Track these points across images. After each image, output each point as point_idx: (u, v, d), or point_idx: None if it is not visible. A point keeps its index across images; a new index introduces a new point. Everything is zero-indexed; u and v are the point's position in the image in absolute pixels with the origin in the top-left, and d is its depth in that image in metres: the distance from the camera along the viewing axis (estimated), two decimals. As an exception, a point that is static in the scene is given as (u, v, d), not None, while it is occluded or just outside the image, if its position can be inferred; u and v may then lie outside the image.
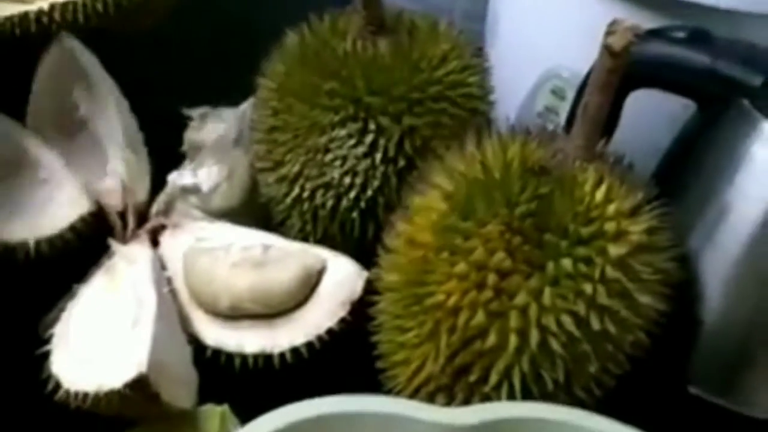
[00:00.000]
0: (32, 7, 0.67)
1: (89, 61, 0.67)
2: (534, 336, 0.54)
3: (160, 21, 0.74)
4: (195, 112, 0.69)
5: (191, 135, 0.68)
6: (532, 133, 0.57)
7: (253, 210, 0.68)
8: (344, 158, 0.63)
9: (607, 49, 0.53)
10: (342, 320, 0.59)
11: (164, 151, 0.71)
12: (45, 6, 0.67)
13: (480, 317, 0.54)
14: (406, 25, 0.65)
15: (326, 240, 0.66)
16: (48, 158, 0.63)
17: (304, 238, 0.66)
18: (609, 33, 0.53)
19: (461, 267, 0.55)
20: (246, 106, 0.69)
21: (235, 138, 0.68)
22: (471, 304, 0.54)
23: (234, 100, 0.73)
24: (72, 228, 0.62)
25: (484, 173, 0.55)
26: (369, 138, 0.62)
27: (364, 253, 0.65)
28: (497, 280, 0.54)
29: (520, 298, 0.54)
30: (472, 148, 0.58)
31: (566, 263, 0.53)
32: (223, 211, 0.66)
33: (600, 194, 0.54)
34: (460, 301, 0.55)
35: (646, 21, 0.65)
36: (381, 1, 0.64)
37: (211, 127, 0.68)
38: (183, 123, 0.72)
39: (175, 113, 0.72)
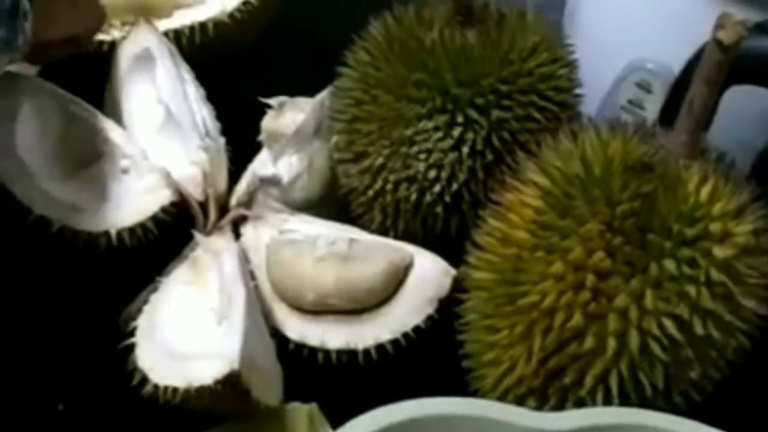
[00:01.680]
0: (108, 37, 0.66)
1: (168, 48, 0.65)
2: (634, 339, 0.51)
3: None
4: (273, 101, 0.66)
5: (269, 124, 0.66)
6: (632, 128, 0.55)
7: (332, 202, 0.65)
8: (430, 151, 0.60)
9: (717, 43, 0.50)
10: (429, 317, 0.57)
11: (239, 140, 0.69)
12: (118, 38, 0.66)
13: (577, 319, 0.52)
14: (494, 16, 0.62)
15: (407, 235, 0.64)
16: (129, 148, 0.61)
17: (384, 232, 0.64)
18: (719, 27, 0.50)
19: (558, 267, 0.52)
20: (324, 95, 0.67)
21: (314, 128, 0.66)
22: (567, 305, 0.52)
23: (310, 89, 0.72)
24: (153, 218, 0.59)
25: (583, 170, 0.52)
26: (456, 131, 0.60)
27: (445, 248, 0.63)
28: (596, 281, 0.51)
29: (620, 300, 0.51)
30: (569, 143, 0.55)
31: (669, 265, 0.51)
32: (302, 203, 0.63)
33: (705, 193, 0.52)
34: (556, 302, 0.52)
35: (736, 12, 0.63)
36: (471, -10, 0.62)
37: (290, 117, 0.65)
38: (258, 111, 0.70)
39: (251, 101, 0.71)
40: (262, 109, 0.68)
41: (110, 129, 0.62)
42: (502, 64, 0.60)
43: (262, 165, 0.63)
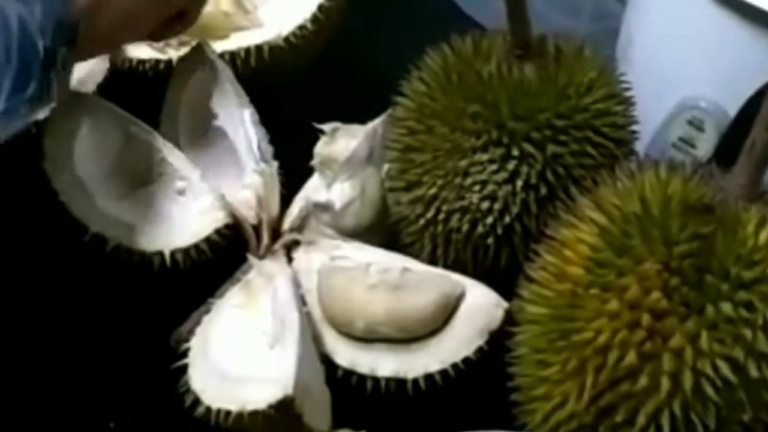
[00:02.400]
0: (164, 57, 0.67)
1: (224, 71, 0.65)
2: (688, 380, 0.51)
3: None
4: (326, 127, 0.66)
5: (322, 150, 0.66)
6: (690, 168, 0.55)
7: (382, 229, 0.65)
8: (484, 183, 0.60)
9: (781, 88, 0.50)
10: (479, 349, 0.57)
11: (291, 164, 0.69)
12: (175, 58, 0.67)
13: (631, 358, 0.52)
14: (552, 50, 0.62)
15: (457, 264, 0.63)
16: (186, 169, 0.62)
17: (434, 261, 0.64)
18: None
19: (613, 305, 0.52)
20: (377, 122, 0.67)
21: (366, 155, 0.66)
22: (622, 343, 0.52)
23: (362, 115, 0.72)
24: (207, 240, 0.60)
25: (642, 208, 0.52)
26: (511, 164, 0.60)
27: (495, 279, 0.63)
28: (651, 320, 0.51)
29: (676, 341, 0.51)
30: (627, 181, 0.55)
31: (726, 307, 0.50)
32: (353, 230, 0.63)
33: (764, 237, 0.51)
34: (610, 339, 0.52)
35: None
36: (529, 25, 0.62)
37: (343, 143, 0.65)
38: (311, 136, 0.70)
39: (304, 126, 0.71)
40: (314, 134, 0.68)
41: (167, 150, 0.62)
42: (559, 99, 0.60)
43: (314, 190, 0.63)
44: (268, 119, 0.69)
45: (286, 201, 0.65)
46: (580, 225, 0.55)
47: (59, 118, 0.61)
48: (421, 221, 0.63)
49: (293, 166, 0.68)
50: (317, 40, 0.73)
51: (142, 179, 0.62)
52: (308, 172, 0.68)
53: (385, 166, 0.66)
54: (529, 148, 0.59)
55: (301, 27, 0.70)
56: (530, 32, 0.61)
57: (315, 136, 0.68)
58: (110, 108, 0.63)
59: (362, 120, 0.73)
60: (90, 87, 0.67)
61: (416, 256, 0.64)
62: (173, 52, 0.69)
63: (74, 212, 0.59)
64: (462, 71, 0.61)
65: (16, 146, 0.62)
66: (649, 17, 0.72)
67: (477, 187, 0.60)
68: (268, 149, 0.65)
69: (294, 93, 0.75)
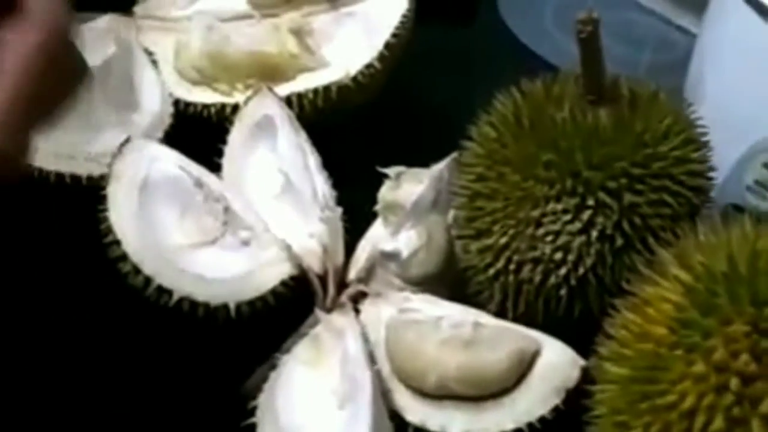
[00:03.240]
0: (230, 100, 0.66)
1: (288, 116, 0.64)
2: (779, 447, 0.49)
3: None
4: (390, 171, 0.64)
5: (386, 195, 0.64)
6: (778, 223, 0.52)
7: (448, 277, 0.63)
8: (557, 234, 0.58)
9: None
10: (555, 408, 0.55)
11: (352, 208, 0.67)
12: (241, 101, 0.65)
13: (719, 423, 0.49)
14: (626, 94, 0.60)
15: (527, 316, 0.61)
16: (251, 218, 0.60)
17: (503, 312, 0.62)
18: None
19: (700, 367, 0.49)
20: (442, 167, 0.65)
21: (432, 201, 0.64)
22: (709, 407, 0.49)
23: (423, 157, 0.70)
24: (273, 291, 0.58)
25: (729, 266, 0.50)
26: (586, 214, 0.57)
27: (566, 331, 0.61)
28: (740, 384, 0.49)
29: (766, 406, 0.49)
30: (711, 235, 0.53)
31: (820, 372, 0.49)
32: (420, 278, 0.61)
33: None
34: (696, 403, 0.49)
35: None
36: (604, 70, 0.60)
37: (408, 188, 0.63)
38: (371, 179, 0.68)
39: (362, 167, 0.69)
40: (375, 176, 0.66)
41: (232, 198, 0.61)
42: (636, 147, 0.58)
43: (380, 238, 0.61)
44: (327, 159, 0.67)
45: (348, 247, 0.64)
46: (662, 282, 0.52)
47: (123, 165, 0.61)
48: (491, 271, 0.61)
49: (353, 209, 0.66)
50: (383, 77, 0.71)
51: (206, 229, 0.60)
52: (369, 216, 0.66)
53: (452, 213, 0.64)
54: (605, 197, 0.57)
55: (369, 66, 0.69)
56: (605, 77, 0.60)
57: (375, 177, 0.66)
58: (176, 156, 0.62)
59: (423, 159, 0.72)
60: (157, 134, 0.66)
61: (484, 305, 0.63)
62: (239, 95, 0.67)
63: (136, 262, 0.58)
64: (534, 117, 0.59)
65: (77, 193, 0.63)
66: (721, 54, 0.70)
67: (550, 238, 0.58)
68: (332, 195, 0.63)
69: (353, 132, 0.73)
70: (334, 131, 0.71)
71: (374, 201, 0.66)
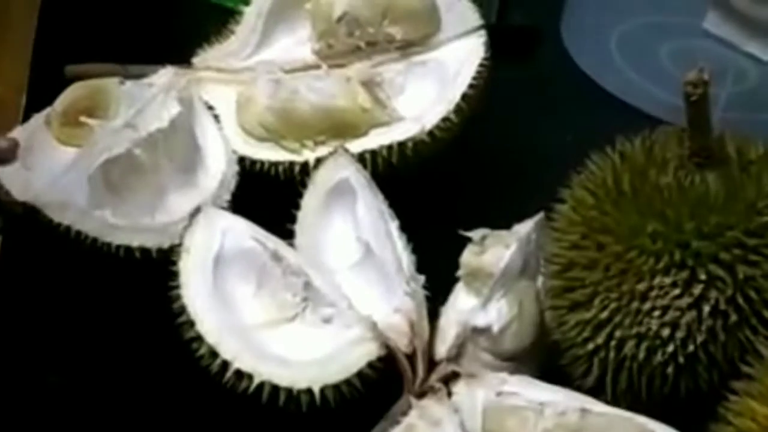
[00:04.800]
0: (299, 158, 0.62)
1: (366, 178, 0.60)
2: None
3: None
4: (474, 234, 0.60)
5: (470, 260, 0.59)
6: None
7: (541, 349, 0.59)
8: (665, 309, 0.53)
9: None
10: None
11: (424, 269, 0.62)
12: (311, 160, 0.62)
13: None
14: (733, 155, 0.55)
15: (628, 393, 0.57)
16: (332, 294, 0.56)
17: (600, 388, 0.57)
18: None
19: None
20: (530, 229, 0.61)
21: (521, 266, 0.59)
22: None
23: (501, 207, 0.66)
24: (360, 374, 0.54)
25: None
26: (697, 289, 0.52)
27: (671, 410, 0.57)
28: None
29: None
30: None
31: None
32: (512, 353, 0.57)
33: None
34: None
35: None
36: (711, 128, 0.56)
37: (493, 253, 0.59)
38: (446, 236, 0.63)
39: (435, 222, 0.65)
40: (451, 235, 0.62)
41: (311, 273, 0.56)
42: (749, 214, 0.53)
43: (469, 311, 0.57)
44: (398, 217, 0.63)
45: (429, 316, 0.60)
46: (791, 370, 0.48)
47: (195, 238, 0.57)
48: (590, 345, 0.56)
49: (429, 273, 0.61)
50: (459, 129, 0.66)
51: (284, 305, 0.56)
52: (446, 280, 0.60)
53: (541, 280, 0.60)
54: (717, 270, 0.52)
55: (445, 119, 0.64)
56: (711, 137, 0.56)
57: (449, 235, 0.61)
58: (249, 227, 0.58)
59: (500, 211, 0.68)
60: (225, 197, 0.62)
61: (581, 378, 0.59)
62: (308, 153, 0.63)
63: (213, 344, 0.54)
64: (635, 182, 0.54)
65: (148, 268, 0.59)
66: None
67: (657, 313, 0.53)
68: (414, 264, 0.59)
69: (423, 185, 0.67)
70: (403, 184, 0.67)
71: (449, 262, 0.61)
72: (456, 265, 0.61)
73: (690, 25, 0.88)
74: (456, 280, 0.61)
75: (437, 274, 0.61)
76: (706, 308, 0.53)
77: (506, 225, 0.63)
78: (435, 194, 0.70)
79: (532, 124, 0.80)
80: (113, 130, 0.62)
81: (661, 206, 0.53)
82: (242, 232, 0.57)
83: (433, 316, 0.60)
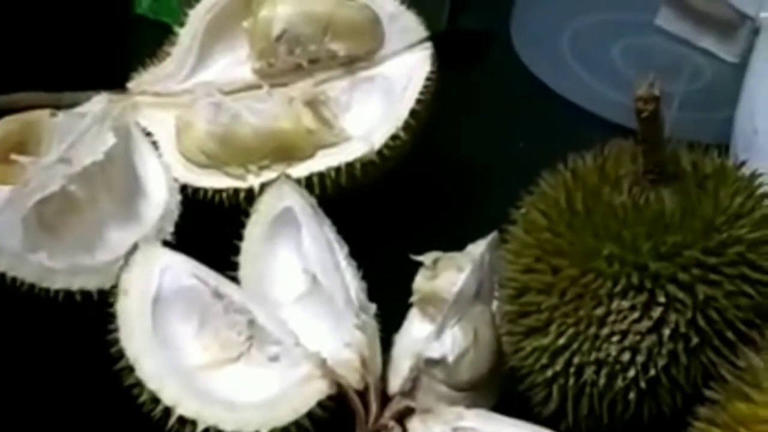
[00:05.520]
0: (243, 185, 0.60)
1: (311, 206, 0.57)
2: None
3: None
4: (425, 258, 0.57)
5: (423, 285, 0.56)
6: None
7: (498, 376, 0.56)
8: (624, 333, 0.50)
9: None
10: None
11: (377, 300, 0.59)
12: (256, 185, 0.59)
13: None
14: (689, 168, 0.53)
15: (590, 418, 0.55)
16: (279, 331, 0.53)
17: (562, 413, 0.56)
18: None
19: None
20: (483, 249, 0.58)
21: (475, 290, 0.56)
22: None
23: (453, 232, 0.63)
24: (310, 414, 0.51)
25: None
26: (656, 312, 0.50)
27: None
28: None
29: None
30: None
31: None
32: (469, 383, 0.54)
33: None
34: None
35: None
36: (664, 143, 0.53)
37: (446, 277, 0.56)
38: (395, 258, 0.60)
39: (384, 249, 0.63)
40: (399, 255, 0.58)
41: (256, 309, 0.53)
42: (707, 232, 0.50)
43: (422, 341, 0.54)
44: (345, 240, 0.60)
45: (383, 345, 0.56)
46: (756, 397, 0.46)
47: (132, 278, 0.53)
48: (548, 372, 0.53)
49: (379, 299, 0.58)
50: (409, 146, 0.64)
51: (228, 344, 0.53)
52: (399, 306, 0.58)
53: (496, 304, 0.57)
54: (676, 292, 0.50)
55: (394, 137, 0.62)
56: (665, 153, 0.53)
57: (400, 257, 0.58)
58: (189, 263, 0.54)
59: (456, 227, 0.66)
60: (168, 229, 0.59)
61: (541, 405, 0.56)
62: (253, 178, 0.61)
63: (154, 389, 0.51)
64: (589, 202, 0.51)
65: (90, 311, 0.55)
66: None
67: (616, 338, 0.50)
68: (364, 293, 0.56)
69: (370, 203, 0.65)
70: (352, 205, 0.63)
71: (403, 285, 0.58)
72: (410, 288, 0.59)
73: (642, 22, 0.86)
74: (410, 304, 0.59)
75: (391, 299, 0.58)
76: (667, 331, 0.50)
77: (461, 242, 0.60)
78: (386, 213, 0.67)
79: (483, 132, 0.77)
80: (46, 167, 0.58)
81: (617, 227, 0.51)
82: (182, 269, 0.54)
83: (387, 345, 0.57)
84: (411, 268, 0.58)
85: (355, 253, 0.60)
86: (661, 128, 0.51)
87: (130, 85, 0.65)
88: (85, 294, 0.56)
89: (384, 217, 0.67)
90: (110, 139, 0.59)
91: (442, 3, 0.84)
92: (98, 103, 0.62)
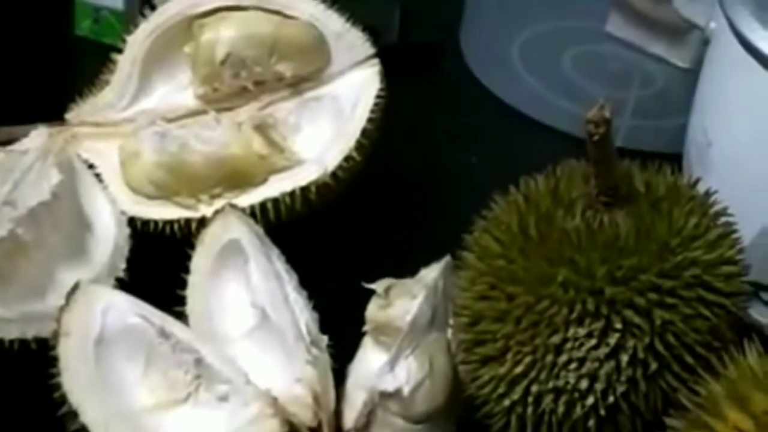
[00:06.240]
0: (195, 215, 0.57)
1: (258, 236, 0.55)
2: None
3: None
4: (377, 286, 0.55)
5: (376, 315, 0.54)
6: None
7: (455, 406, 0.54)
8: (582, 360, 0.49)
9: None
10: None
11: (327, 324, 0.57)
12: (208, 214, 0.57)
13: None
14: (642, 189, 0.51)
15: (551, 445, 0.54)
16: (227, 369, 0.50)
17: (521, 441, 0.54)
18: None
19: None
20: (436, 275, 0.56)
21: (429, 318, 0.55)
22: None
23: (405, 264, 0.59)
24: (262, 457, 0.49)
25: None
26: (613, 338, 0.48)
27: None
28: None
29: None
30: (764, 362, 0.46)
31: None
32: (425, 414, 0.52)
33: None
34: None
35: None
36: (616, 165, 0.51)
37: (400, 305, 0.54)
38: (344, 283, 0.58)
39: (332, 273, 0.61)
40: (350, 279, 0.56)
41: (203, 348, 0.51)
42: (662, 255, 0.49)
43: (375, 373, 0.52)
44: (294, 265, 0.58)
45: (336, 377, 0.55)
46: (716, 425, 0.45)
47: (73, 319, 0.51)
48: (506, 401, 0.52)
49: (330, 327, 0.56)
50: (361, 166, 0.62)
51: (176, 384, 0.50)
52: (350, 333, 0.56)
53: (451, 332, 0.55)
54: (633, 317, 0.48)
55: (347, 158, 0.60)
56: (617, 174, 0.52)
57: (356, 281, 0.56)
58: (132, 302, 0.52)
59: (408, 248, 0.64)
60: (119, 264, 0.56)
61: (499, 432, 0.55)
62: (205, 208, 0.58)
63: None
64: (542, 227, 0.50)
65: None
66: (727, 115, 0.62)
67: (574, 365, 0.49)
68: (316, 325, 0.54)
69: (317, 225, 0.63)
70: (295, 227, 0.61)
71: (356, 311, 0.56)
72: (361, 315, 0.57)
73: (592, 30, 0.85)
74: (363, 332, 0.57)
75: (342, 327, 0.56)
76: (625, 357, 0.49)
77: (413, 265, 0.58)
78: (335, 236, 0.65)
79: (435, 147, 0.75)
80: (-9, 212, 0.56)
81: (571, 252, 0.49)
82: (125, 308, 0.51)
83: (340, 376, 0.55)
84: (363, 294, 0.56)
85: (304, 281, 0.58)
86: (612, 150, 0.50)
87: (69, 116, 0.62)
88: (41, 342, 0.52)
89: (333, 240, 0.65)
90: (55, 176, 0.56)
91: (392, 17, 0.82)
92: (38, 137, 0.60)
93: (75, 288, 0.51)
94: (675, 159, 0.69)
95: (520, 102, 0.80)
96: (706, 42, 0.67)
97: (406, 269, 0.58)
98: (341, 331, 0.56)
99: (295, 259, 0.59)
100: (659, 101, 0.81)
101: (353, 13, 0.65)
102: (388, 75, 0.65)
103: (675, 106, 0.78)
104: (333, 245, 0.65)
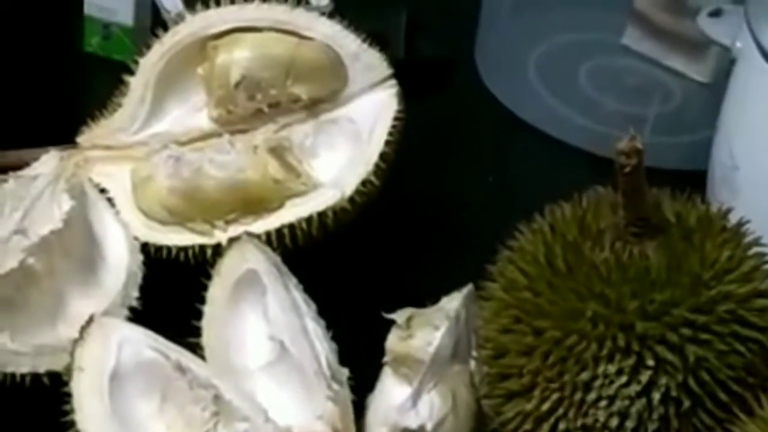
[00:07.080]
0: (210, 241, 0.55)
1: (276, 266, 0.53)
2: None
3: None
4: (398, 316, 0.53)
5: (397, 346, 0.52)
6: None
7: (480, 439, 0.54)
8: (612, 398, 0.47)
9: None
10: None
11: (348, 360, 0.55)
12: (224, 241, 0.55)
13: None
14: (673, 219, 0.49)
15: (579, 483, 0.52)
16: (246, 406, 0.48)
17: (547, 478, 0.53)
18: None
19: None
20: (458, 305, 0.53)
21: (452, 350, 0.53)
22: None
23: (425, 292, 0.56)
24: (281, 499, 0.47)
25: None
26: (645, 375, 0.46)
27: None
28: None
29: None
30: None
31: None
32: (450, 450, 0.52)
33: None
34: None
35: None
36: (647, 196, 0.50)
37: (421, 336, 0.52)
38: (364, 313, 0.56)
39: (351, 302, 0.59)
40: (369, 310, 0.55)
41: (221, 384, 0.49)
42: (695, 289, 0.47)
43: (398, 408, 0.50)
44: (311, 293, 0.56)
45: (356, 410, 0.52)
46: (756, 471, 0.43)
47: (87, 353, 0.49)
48: (533, 438, 0.51)
49: (349, 358, 0.54)
50: (379, 190, 0.60)
51: (193, 421, 0.48)
52: (370, 363, 0.54)
53: (474, 364, 0.53)
54: (665, 353, 0.46)
55: (366, 182, 0.58)
56: (648, 204, 0.50)
57: (375, 310, 0.54)
58: (148, 336, 0.50)
59: (427, 275, 0.62)
60: (132, 293, 0.55)
61: (524, 468, 0.53)
62: (221, 234, 0.56)
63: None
64: (570, 258, 0.48)
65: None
66: (762, 142, 0.60)
67: (603, 403, 0.47)
68: (335, 357, 0.52)
69: (336, 251, 0.61)
70: (311, 253, 0.59)
71: (371, 342, 0.54)
72: (380, 345, 0.55)
73: (609, 43, 0.83)
74: (382, 363, 0.55)
75: (361, 357, 0.54)
76: (657, 395, 0.47)
77: (433, 292, 0.56)
78: (352, 261, 0.63)
79: (450, 166, 0.73)
80: (2, 241, 0.54)
81: (600, 286, 0.47)
82: (140, 343, 0.49)
83: (360, 408, 0.53)
84: (380, 322, 0.54)
85: (322, 309, 0.56)
86: (643, 180, 0.48)
87: (80, 139, 0.60)
88: (54, 376, 0.51)
89: (350, 266, 0.63)
90: (66, 203, 0.55)
91: (398, 30, 0.80)
92: (48, 162, 0.58)
93: (89, 321, 0.50)
94: (693, 176, 0.68)
95: (537, 119, 0.78)
96: (731, 62, 0.65)
97: (425, 296, 0.56)
98: (358, 360, 0.55)
99: (310, 286, 0.57)
100: (678, 117, 0.79)
101: (355, 28, 0.63)
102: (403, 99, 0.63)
103: (694, 122, 0.76)
104: (348, 271, 0.63)
